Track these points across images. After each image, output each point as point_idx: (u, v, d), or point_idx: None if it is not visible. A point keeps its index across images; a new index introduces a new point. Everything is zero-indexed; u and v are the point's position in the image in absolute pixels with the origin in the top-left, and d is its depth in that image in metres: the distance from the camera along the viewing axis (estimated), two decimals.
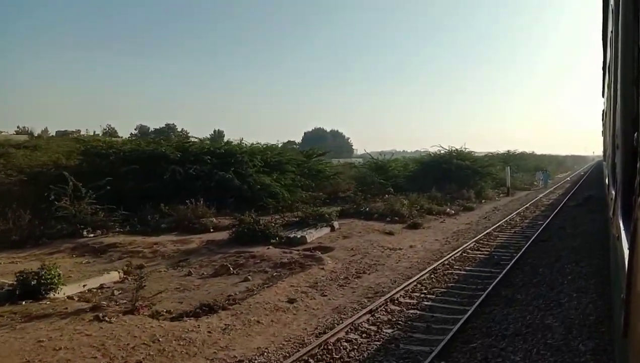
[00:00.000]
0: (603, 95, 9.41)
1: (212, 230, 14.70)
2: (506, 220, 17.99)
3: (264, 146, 22.28)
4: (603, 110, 10.72)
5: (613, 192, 3.54)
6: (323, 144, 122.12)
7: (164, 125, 77.99)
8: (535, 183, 35.20)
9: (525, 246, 12.53)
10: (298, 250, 11.96)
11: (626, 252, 1.61)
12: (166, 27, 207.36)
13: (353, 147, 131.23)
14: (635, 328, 1.22)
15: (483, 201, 25.31)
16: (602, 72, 9.01)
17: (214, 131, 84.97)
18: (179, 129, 77.04)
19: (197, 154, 19.00)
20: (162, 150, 18.52)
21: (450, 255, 11.45)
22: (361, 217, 17.24)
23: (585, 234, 13.92)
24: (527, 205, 23.27)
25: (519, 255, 11.38)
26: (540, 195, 28.71)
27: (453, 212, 20.28)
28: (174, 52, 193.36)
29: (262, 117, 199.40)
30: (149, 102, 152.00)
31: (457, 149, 27.84)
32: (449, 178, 25.94)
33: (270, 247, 12.23)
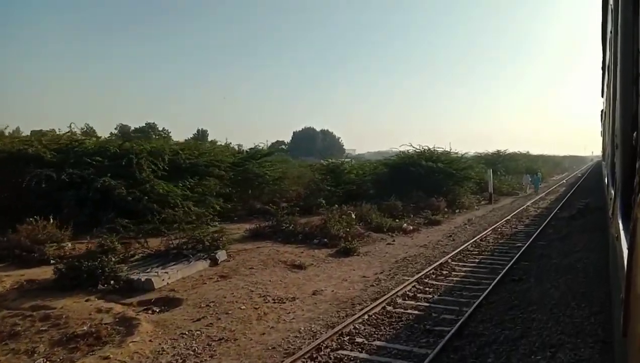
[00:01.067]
0: (602, 95, 9.16)
1: (52, 261, 10.42)
2: (475, 241, 13.76)
3: (175, 144, 18.03)
4: (602, 110, 10.27)
5: (612, 192, 3.41)
6: (312, 144, 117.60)
7: (144, 124, 73.50)
8: (523, 188, 30.78)
9: (485, 293, 8.30)
10: (130, 304, 7.72)
11: (625, 251, 1.66)
12: (151, 22, 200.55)
13: (344, 147, 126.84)
14: (634, 328, 1.23)
15: (457, 211, 21.06)
16: (601, 72, 8.82)
17: (198, 131, 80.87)
18: (160, 128, 72.51)
19: (80, 154, 14.71)
20: (30, 150, 14.24)
21: (362, 313, 7.22)
22: (279, 239, 12.96)
23: (577, 268, 9.69)
24: (509, 217, 19.03)
25: (469, 312, 7.16)
26: (528, 203, 24.49)
27: (412, 228, 16.02)
28: (159, 49, 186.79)
29: (251, 117, 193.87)
30: (132, 100, 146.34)
31: (429, 148, 23.54)
32: (418, 183, 21.69)
33: (93, 297, 7.99)
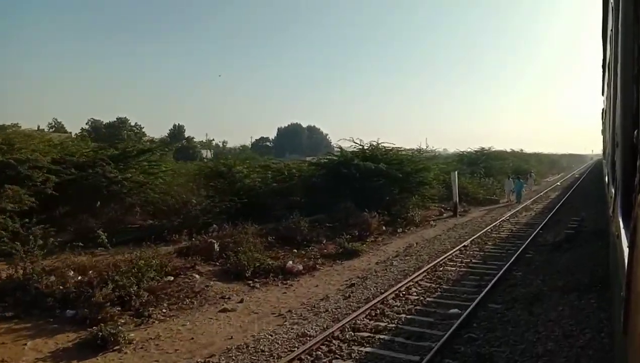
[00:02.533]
0: (603, 94, 9.09)
1: None
2: (384, 299, 7.90)
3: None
4: (603, 109, 10.05)
5: (613, 190, 3.43)
6: (297, 141, 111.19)
7: (115, 119, 67.01)
8: (509, 196, 24.66)
9: None
10: None
11: (626, 250, 1.64)
12: (125, 7, 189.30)
13: (332, 144, 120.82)
14: (634, 326, 1.23)
15: (401, 230, 15.18)
16: (602, 70, 8.76)
17: (174, 126, 73.48)
18: (133, 123, 66.21)
19: None
20: None
21: None
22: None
23: None
24: (468, 242, 13.17)
25: None
26: (506, 215, 18.58)
27: (301, 268, 10.12)
28: (133, 37, 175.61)
29: (235, 113, 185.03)
30: (103, 94, 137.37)
31: (372, 145, 17.53)
32: (354, 191, 15.81)
33: None
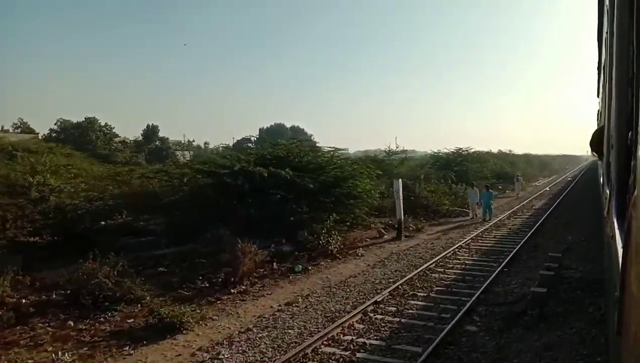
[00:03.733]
0: (598, 95, 9.16)
1: None
2: None
3: None
4: (598, 110, 9.86)
5: (608, 191, 3.39)
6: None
7: (84, 119, 61.22)
8: (474, 210, 19.32)
9: None
10: None
11: (620, 251, 1.63)
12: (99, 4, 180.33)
13: (318, 145, 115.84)
14: (628, 327, 1.22)
15: (300, 269, 10.20)
16: (597, 72, 8.61)
17: (147, 126, 67.29)
18: (103, 123, 60.69)
19: None
20: None
21: None
22: None
23: None
24: (385, 293, 8.24)
25: None
26: (468, 237, 13.64)
27: None
28: (110, 35, 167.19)
29: (218, 113, 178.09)
30: (75, 93, 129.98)
31: (284, 144, 12.53)
32: (246, 208, 10.95)
33: None
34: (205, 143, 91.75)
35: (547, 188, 33.63)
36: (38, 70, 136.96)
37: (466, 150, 31.79)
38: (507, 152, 52.99)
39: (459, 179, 24.60)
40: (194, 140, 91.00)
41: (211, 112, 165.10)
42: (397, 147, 30.41)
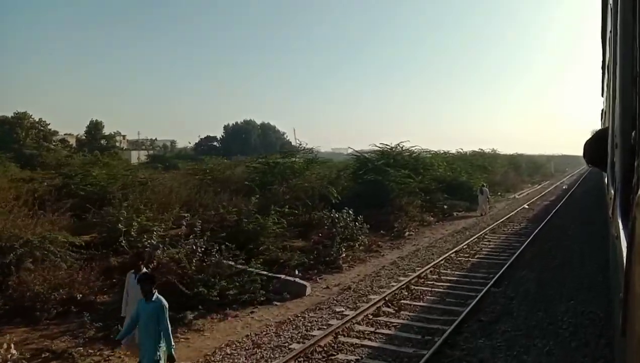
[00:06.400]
0: (602, 95, 8.94)
1: None
2: None
3: None
4: (602, 110, 9.74)
5: (612, 191, 3.30)
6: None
7: (13, 114, 47.19)
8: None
9: None
10: None
11: (625, 251, 1.60)
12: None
13: (293, 144, 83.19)
14: (633, 327, 1.21)
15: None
16: (601, 71, 8.69)
17: (91, 122, 56.74)
18: (36, 119, 48.25)
19: None
20: None
21: None
22: None
23: None
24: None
25: None
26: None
27: None
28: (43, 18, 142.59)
29: (180, 111, 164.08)
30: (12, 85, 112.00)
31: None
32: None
33: None
34: (172, 141, 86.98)
35: (525, 206, 25.16)
36: None
37: (399, 149, 23.23)
38: (479, 151, 40.79)
39: (369, 198, 17.47)
40: (155, 139, 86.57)
41: (172, 109, 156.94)
42: (299, 144, 24.01)
